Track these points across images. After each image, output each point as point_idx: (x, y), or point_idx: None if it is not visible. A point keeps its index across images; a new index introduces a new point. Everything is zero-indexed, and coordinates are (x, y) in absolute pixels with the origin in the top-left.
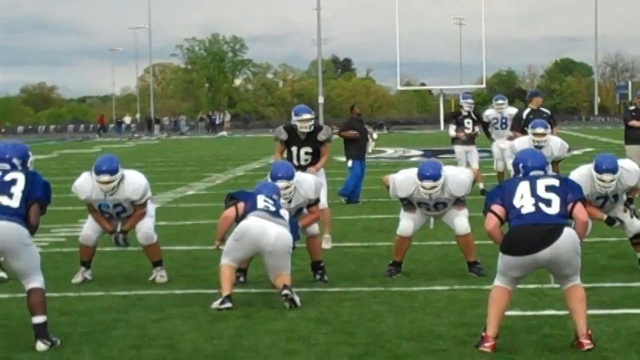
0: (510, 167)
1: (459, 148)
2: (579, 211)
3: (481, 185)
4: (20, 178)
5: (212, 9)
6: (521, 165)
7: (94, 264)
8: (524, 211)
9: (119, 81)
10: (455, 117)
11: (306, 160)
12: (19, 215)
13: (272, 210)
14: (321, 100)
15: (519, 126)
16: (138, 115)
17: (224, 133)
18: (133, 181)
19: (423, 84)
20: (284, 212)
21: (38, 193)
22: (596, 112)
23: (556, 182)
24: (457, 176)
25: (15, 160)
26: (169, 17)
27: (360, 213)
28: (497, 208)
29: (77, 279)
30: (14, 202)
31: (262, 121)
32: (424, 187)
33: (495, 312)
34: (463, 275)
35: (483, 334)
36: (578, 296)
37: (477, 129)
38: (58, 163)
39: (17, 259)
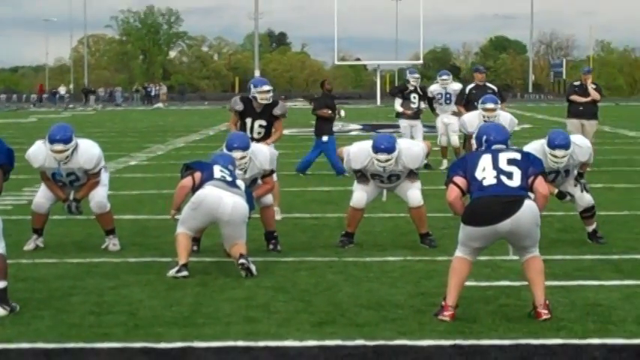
0: (454, 143)
1: (404, 123)
2: (540, 184)
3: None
4: None
5: None
6: (484, 138)
7: (44, 232)
8: (485, 183)
9: (52, 51)
10: (401, 91)
11: (259, 133)
12: None
13: (228, 180)
14: (257, 73)
15: (462, 100)
16: (71, 86)
17: (160, 104)
18: (87, 151)
19: (357, 59)
20: (240, 182)
21: (2, 159)
22: (530, 90)
23: (518, 156)
24: (411, 149)
25: None
26: None
27: (307, 185)
28: (459, 180)
29: (29, 246)
30: None
31: (197, 94)
32: (379, 160)
33: (456, 282)
34: (415, 247)
35: (443, 303)
36: (536, 268)
37: (422, 104)
38: None
39: None
